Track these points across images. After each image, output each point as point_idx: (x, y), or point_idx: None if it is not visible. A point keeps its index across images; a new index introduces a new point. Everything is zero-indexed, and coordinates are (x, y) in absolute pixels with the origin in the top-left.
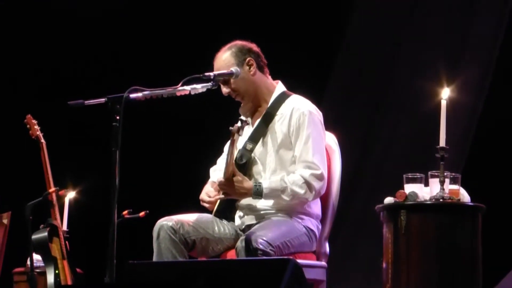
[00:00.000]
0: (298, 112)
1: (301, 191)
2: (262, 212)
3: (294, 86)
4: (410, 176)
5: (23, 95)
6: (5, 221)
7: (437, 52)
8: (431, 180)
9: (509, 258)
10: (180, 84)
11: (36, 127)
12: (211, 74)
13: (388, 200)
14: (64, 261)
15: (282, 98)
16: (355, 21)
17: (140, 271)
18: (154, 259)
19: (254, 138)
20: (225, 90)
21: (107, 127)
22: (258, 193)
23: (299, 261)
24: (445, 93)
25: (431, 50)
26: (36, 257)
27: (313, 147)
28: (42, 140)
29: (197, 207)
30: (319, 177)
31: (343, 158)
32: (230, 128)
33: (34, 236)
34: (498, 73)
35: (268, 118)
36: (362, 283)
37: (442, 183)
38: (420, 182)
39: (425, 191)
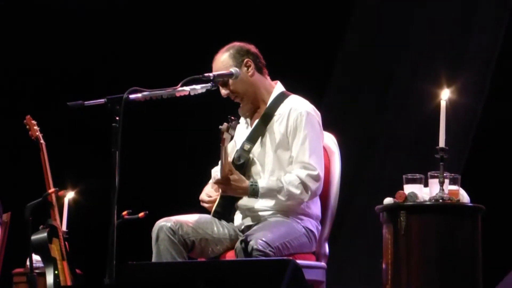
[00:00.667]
0: (296, 113)
1: (297, 192)
2: (261, 213)
3: (294, 86)
4: (409, 177)
5: (23, 95)
6: (4, 221)
7: (437, 53)
8: (430, 181)
9: (509, 258)
10: (179, 85)
11: (36, 127)
12: (211, 74)
13: (388, 200)
14: (64, 261)
15: (280, 98)
16: (355, 22)
17: (139, 272)
18: (154, 260)
19: (252, 139)
20: (224, 91)
21: (107, 128)
22: (254, 192)
23: (299, 261)
24: (445, 94)
25: (432, 51)
26: (36, 257)
27: (310, 148)
28: (42, 141)
29: (197, 207)
30: (316, 178)
31: (343, 158)
32: (220, 127)
33: (33, 237)
34: (498, 74)
35: (267, 118)
36: (361, 284)
37: (441, 183)
38: (420, 183)
39: (424, 191)
